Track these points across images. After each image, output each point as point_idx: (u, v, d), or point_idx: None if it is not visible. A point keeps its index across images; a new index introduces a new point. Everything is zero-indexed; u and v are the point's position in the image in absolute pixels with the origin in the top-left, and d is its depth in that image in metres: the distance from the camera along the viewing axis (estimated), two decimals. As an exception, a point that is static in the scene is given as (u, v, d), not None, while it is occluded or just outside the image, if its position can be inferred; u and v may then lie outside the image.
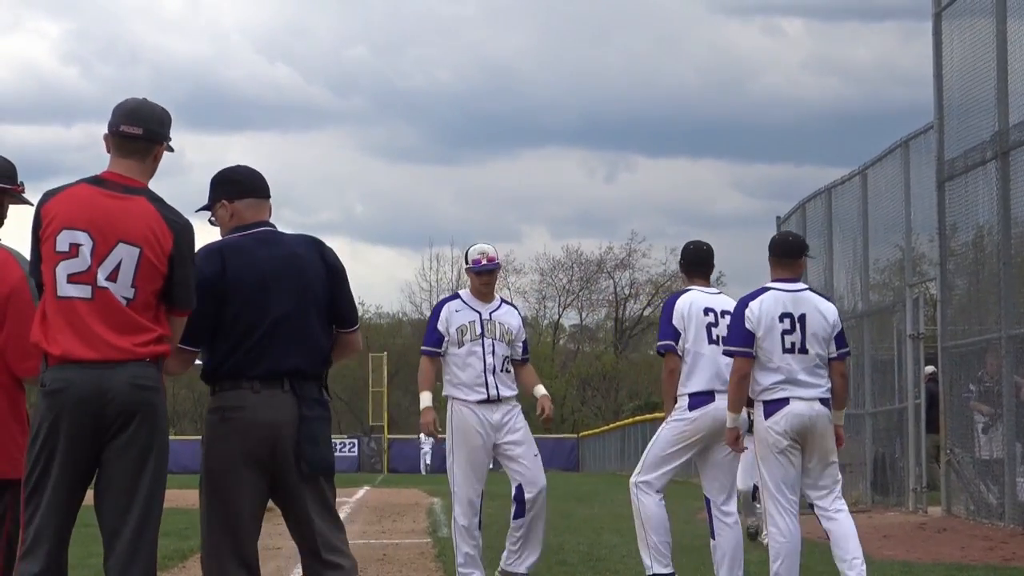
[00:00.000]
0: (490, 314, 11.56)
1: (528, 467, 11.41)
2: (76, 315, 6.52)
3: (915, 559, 14.64)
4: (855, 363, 25.29)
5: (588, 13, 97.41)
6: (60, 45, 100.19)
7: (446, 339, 11.46)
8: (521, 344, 11.70)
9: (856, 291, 26.47)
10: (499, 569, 11.58)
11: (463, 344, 11.39)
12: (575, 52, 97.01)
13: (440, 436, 11.61)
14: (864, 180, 25.70)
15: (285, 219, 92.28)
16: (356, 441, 64.64)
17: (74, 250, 6.54)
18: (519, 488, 11.42)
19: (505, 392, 11.48)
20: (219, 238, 7.26)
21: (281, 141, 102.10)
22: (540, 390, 11.66)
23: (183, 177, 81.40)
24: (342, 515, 19.77)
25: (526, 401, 11.71)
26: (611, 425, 59.52)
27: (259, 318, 6.98)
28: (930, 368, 23.05)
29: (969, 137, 20.03)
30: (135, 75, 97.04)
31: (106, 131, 6.76)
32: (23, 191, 7.17)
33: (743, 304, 10.34)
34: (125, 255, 6.56)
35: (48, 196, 6.70)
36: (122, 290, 6.55)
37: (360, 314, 10.32)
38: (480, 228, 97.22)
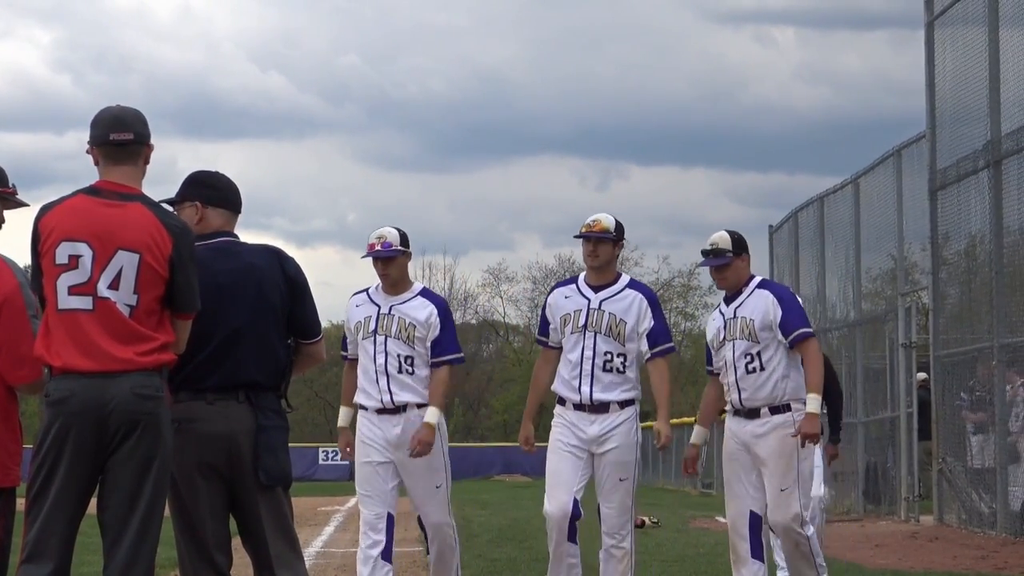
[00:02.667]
0: (390, 308, 9.72)
1: (418, 497, 9.85)
2: (78, 327, 6.51)
3: (907, 568, 14.66)
4: (848, 372, 25.34)
5: (580, 23, 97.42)
6: (52, 53, 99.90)
7: (350, 339, 9.92)
8: (431, 344, 9.68)
9: (848, 300, 26.48)
10: None
11: (360, 343, 9.77)
12: (567, 61, 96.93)
13: (348, 456, 10.01)
14: (856, 189, 25.73)
15: (278, 227, 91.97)
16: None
17: (73, 262, 6.53)
18: (419, 518, 10.06)
19: (405, 398, 9.64)
20: None
21: (274, 149, 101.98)
22: (430, 415, 9.59)
23: (176, 184, 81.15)
24: (334, 523, 19.76)
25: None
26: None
27: (214, 329, 6.94)
28: (922, 376, 23.07)
29: (961, 146, 20.05)
30: (127, 83, 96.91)
31: (89, 144, 6.74)
32: (16, 193, 7.16)
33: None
34: (126, 262, 6.55)
35: (45, 210, 6.68)
36: (125, 297, 6.54)
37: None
38: (472, 236, 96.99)
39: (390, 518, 9.71)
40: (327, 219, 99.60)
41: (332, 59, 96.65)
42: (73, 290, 6.53)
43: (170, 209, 6.89)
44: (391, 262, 9.67)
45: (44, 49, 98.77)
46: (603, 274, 9.77)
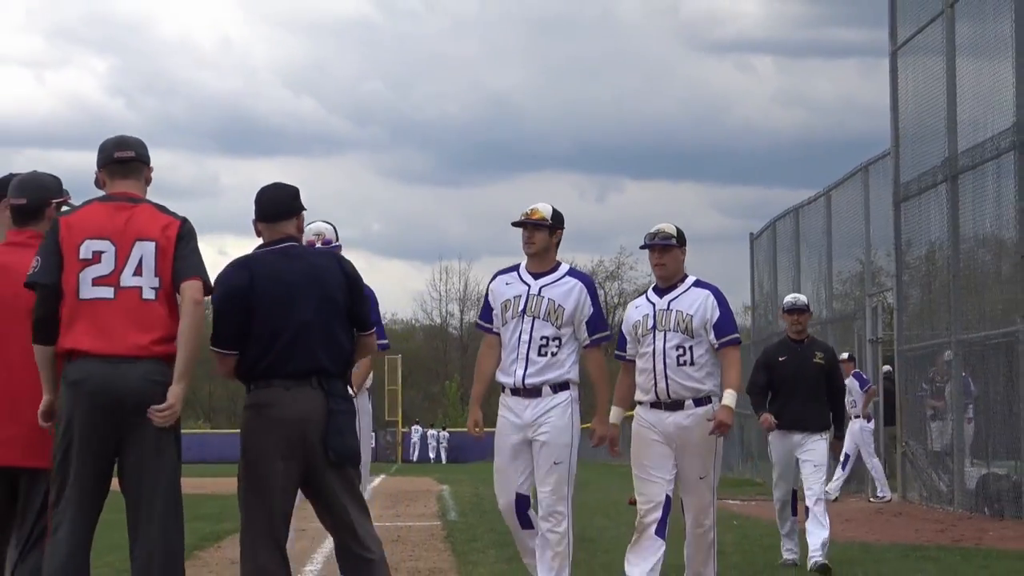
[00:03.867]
0: None
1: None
2: (97, 314, 6.53)
3: (873, 540, 14.62)
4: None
5: (580, 53, 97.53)
6: (106, 80, 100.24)
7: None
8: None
9: (821, 300, 26.44)
10: None
11: None
12: (568, 87, 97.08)
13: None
14: (828, 201, 25.70)
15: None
16: (373, 434, 64.51)
17: (97, 257, 6.59)
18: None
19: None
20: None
21: (305, 166, 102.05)
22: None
23: (218, 198, 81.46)
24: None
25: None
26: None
27: (286, 323, 6.96)
28: (887, 368, 23.07)
29: (922, 162, 20.03)
30: (174, 107, 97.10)
31: (97, 169, 6.86)
32: (70, 199, 7.22)
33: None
34: (144, 251, 6.62)
35: (64, 213, 6.80)
36: (149, 281, 6.59)
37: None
38: (484, 243, 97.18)
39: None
40: (353, 228, 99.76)
41: (358, 85, 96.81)
42: (96, 281, 6.56)
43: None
44: None
45: (100, 76, 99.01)
46: (542, 262, 9.01)
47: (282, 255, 7.12)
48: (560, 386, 8.88)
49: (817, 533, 11.58)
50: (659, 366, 8.98)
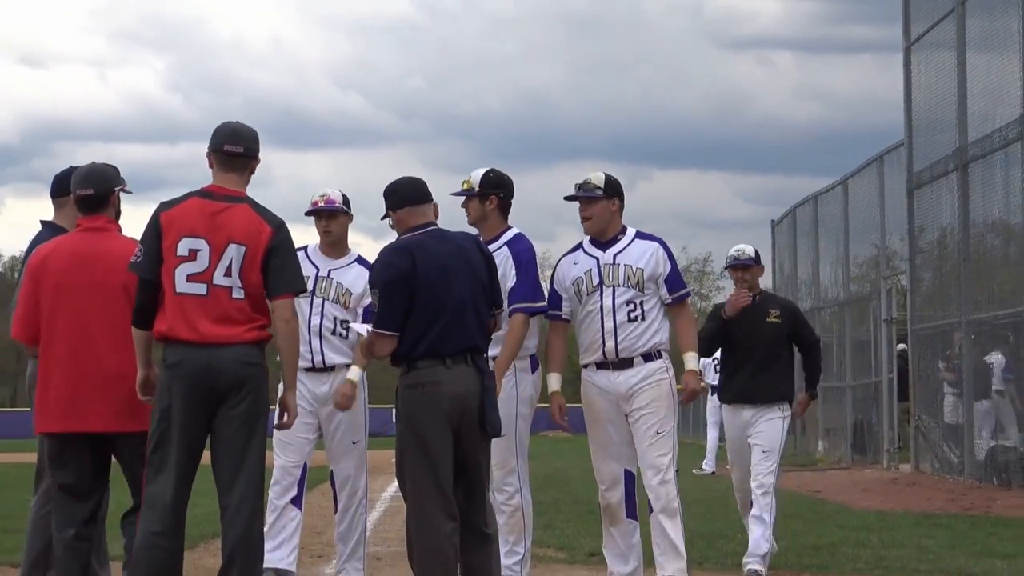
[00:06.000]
0: (328, 271, 8.61)
1: (336, 455, 8.64)
2: (191, 307, 6.56)
3: (888, 509, 14.60)
4: (838, 343, 25.28)
5: (610, 51, 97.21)
6: (165, 77, 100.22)
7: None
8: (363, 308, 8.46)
9: (839, 283, 26.37)
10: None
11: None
12: (599, 83, 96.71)
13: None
14: (845, 189, 25.60)
15: (357, 222, 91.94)
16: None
17: (192, 255, 6.59)
18: (331, 474, 8.72)
19: (333, 359, 8.53)
20: (397, 238, 7.14)
21: (353, 158, 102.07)
22: (352, 372, 8.46)
23: (272, 188, 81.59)
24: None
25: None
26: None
27: (445, 303, 6.87)
28: (901, 346, 22.99)
29: (934, 152, 19.93)
30: (229, 103, 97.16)
31: (208, 150, 6.80)
32: (127, 186, 7.25)
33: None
34: (235, 254, 6.60)
35: (166, 206, 6.72)
36: (237, 282, 6.60)
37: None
38: (521, 229, 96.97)
39: (304, 468, 8.66)
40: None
41: (402, 82, 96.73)
42: (191, 277, 6.58)
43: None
44: (332, 220, 8.63)
45: (159, 73, 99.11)
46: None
47: (435, 238, 7.02)
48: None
49: (756, 529, 9.24)
50: (608, 324, 8.06)
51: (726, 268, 9.28)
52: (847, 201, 25.45)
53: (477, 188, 8.14)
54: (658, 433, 8.03)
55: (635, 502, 8.15)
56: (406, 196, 7.12)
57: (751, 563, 9.19)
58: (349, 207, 8.70)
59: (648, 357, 8.07)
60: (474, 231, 8.05)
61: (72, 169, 7.56)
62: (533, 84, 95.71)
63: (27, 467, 9.74)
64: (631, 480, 8.13)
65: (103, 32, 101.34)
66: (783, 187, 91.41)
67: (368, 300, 7.91)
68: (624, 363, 8.05)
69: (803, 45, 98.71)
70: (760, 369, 9.41)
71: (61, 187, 7.68)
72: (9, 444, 36.44)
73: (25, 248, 7.78)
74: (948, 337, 19.82)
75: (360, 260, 8.67)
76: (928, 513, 13.97)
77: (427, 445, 6.82)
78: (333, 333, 8.54)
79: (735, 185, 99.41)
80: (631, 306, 8.02)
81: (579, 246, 8.29)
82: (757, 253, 9.61)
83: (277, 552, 8.43)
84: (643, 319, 8.04)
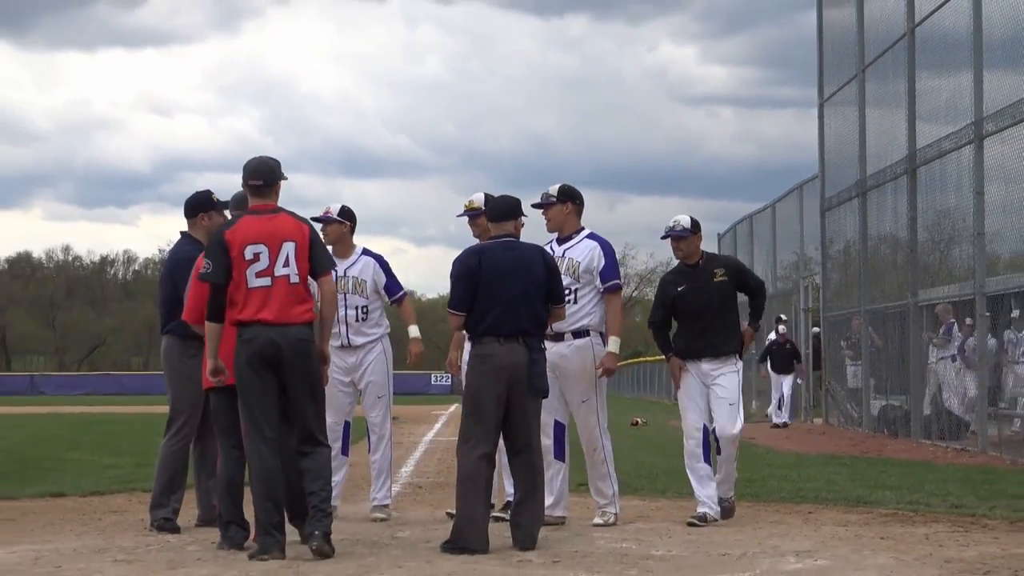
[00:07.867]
0: (344, 271, 8.34)
1: (367, 407, 8.43)
2: (261, 296, 6.58)
3: (805, 452, 14.57)
4: (769, 328, 25.22)
5: (597, 103, 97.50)
6: (259, 123, 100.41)
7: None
8: (383, 289, 8.37)
9: (769, 281, 26.36)
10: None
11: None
12: (589, 128, 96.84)
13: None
14: (774, 211, 25.58)
15: (403, 234, 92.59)
16: (449, 375, 63.82)
17: (256, 257, 6.59)
18: (366, 423, 8.50)
19: (357, 340, 8.32)
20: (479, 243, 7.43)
21: (401, 185, 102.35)
22: (413, 331, 8.42)
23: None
24: (441, 422, 19.53)
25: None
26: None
27: (500, 297, 6.91)
28: (815, 329, 22.98)
29: (841, 183, 19.93)
30: (309, 142, 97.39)
31: (242, 182, 6.78)
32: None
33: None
34: (290, 249, 6.62)
35: (225, 227, 6.75)
36: (294, 271, 6.61)
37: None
38: (526, 238, 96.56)
39: (347, 425, 8.46)
40: (436, 229, 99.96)
41: (438, 127, 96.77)
42: (259, 274, 6.57)
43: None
44: (334, 228, 8.33)
45: (255, 120, 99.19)
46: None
47: (502, 247, 7.06)
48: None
49: (724, 469, 7.99)
50: None
51: (663, 238, 7.97)
52: (775, 220, 25.42)
53: (555, 198, 7.88)
54: (583, 401, 7.79)
55: (563, 447, 7.86)
56: (492, 214, 7.22)
57: (703, 507, 7.89)
58: (349, 218, 8.36)
59: (577, 334, 7.73)
60: (550, 237, 7.96)
61: (200, 194, 7.66)
62: (537, 129, 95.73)
63: (158, 416, 9.76)
64: (560, 429, 7.87)
65: (213, 88, 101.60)
66: (726, 209, 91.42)
67: (386, 279, 8.29)
68: (557, 337, 7.66)
69: (742, 102, 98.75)
70: (716, 325, 7.97)
71: (195, 209, 7.75)
72: (144, 399, 36.54)
73: (161, 254, 7.79)
74: (850, 322, 19.84)
75: (365, 251, 8.47)
76: (835, 455, 13.93)
77: (477, 398, 6.92)
78: (356, 320, 8.32)
79: (690, 207, 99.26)
80: (567, 292, 7.52)
81: (550, 243, 7.99)
82: (695, 222, 8.09)
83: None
84: (575, 303, 7.68)
